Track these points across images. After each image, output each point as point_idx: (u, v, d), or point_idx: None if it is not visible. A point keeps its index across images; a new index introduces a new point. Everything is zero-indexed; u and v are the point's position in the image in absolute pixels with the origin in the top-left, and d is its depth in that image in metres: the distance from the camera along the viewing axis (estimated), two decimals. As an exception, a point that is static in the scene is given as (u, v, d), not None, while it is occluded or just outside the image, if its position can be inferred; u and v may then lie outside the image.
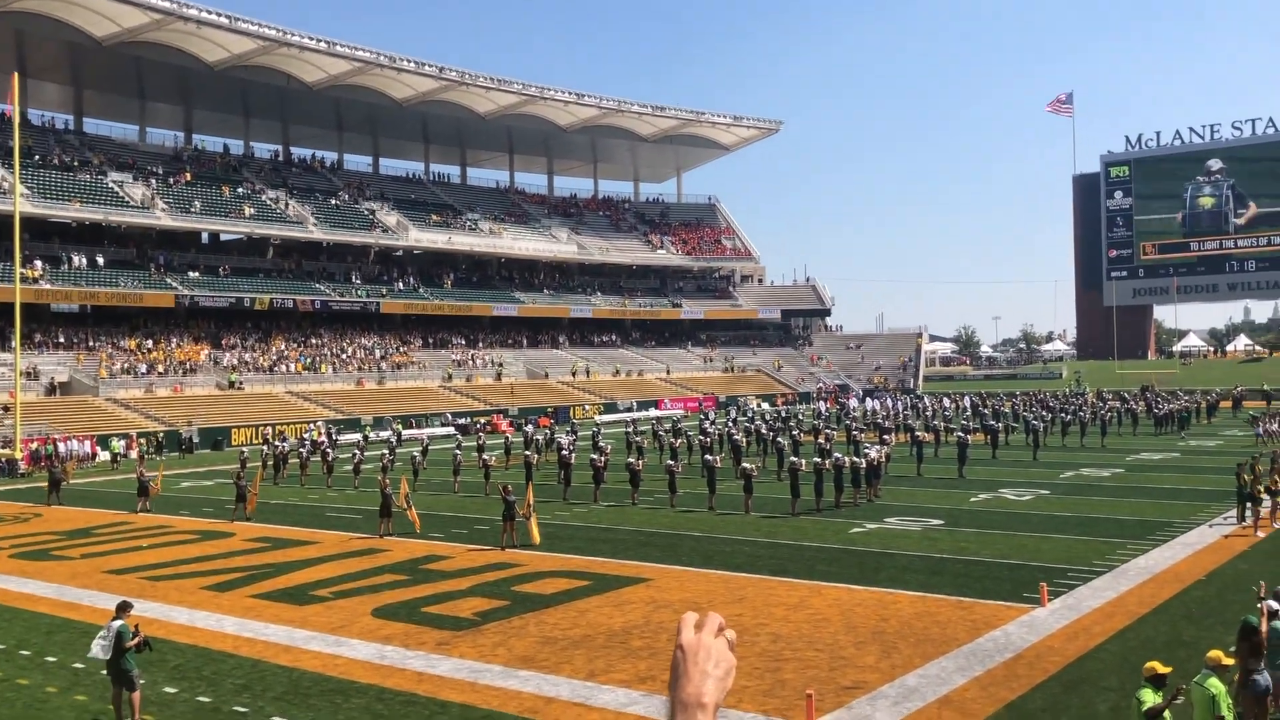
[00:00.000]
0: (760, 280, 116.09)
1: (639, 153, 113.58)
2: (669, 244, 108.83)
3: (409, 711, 14.08)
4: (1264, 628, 12.49)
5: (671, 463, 34.76)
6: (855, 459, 33.18)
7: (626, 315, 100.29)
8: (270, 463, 43.68)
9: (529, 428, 55.16)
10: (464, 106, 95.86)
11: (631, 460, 35.48)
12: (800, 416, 63.17)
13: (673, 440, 44.05)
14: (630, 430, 48.35)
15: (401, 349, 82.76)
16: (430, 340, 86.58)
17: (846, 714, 13.61)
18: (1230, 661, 11.44)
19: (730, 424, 53.53)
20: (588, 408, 76.35)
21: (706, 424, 52.00)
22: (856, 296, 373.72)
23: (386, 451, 43.57)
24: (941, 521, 28.27)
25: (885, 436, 45.36)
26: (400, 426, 61.35)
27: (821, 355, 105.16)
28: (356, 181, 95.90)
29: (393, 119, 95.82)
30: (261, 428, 59.86)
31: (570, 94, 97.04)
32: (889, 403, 72.27)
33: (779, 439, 42.52)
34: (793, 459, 33.18)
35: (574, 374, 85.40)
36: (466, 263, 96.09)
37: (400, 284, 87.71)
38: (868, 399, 79.98)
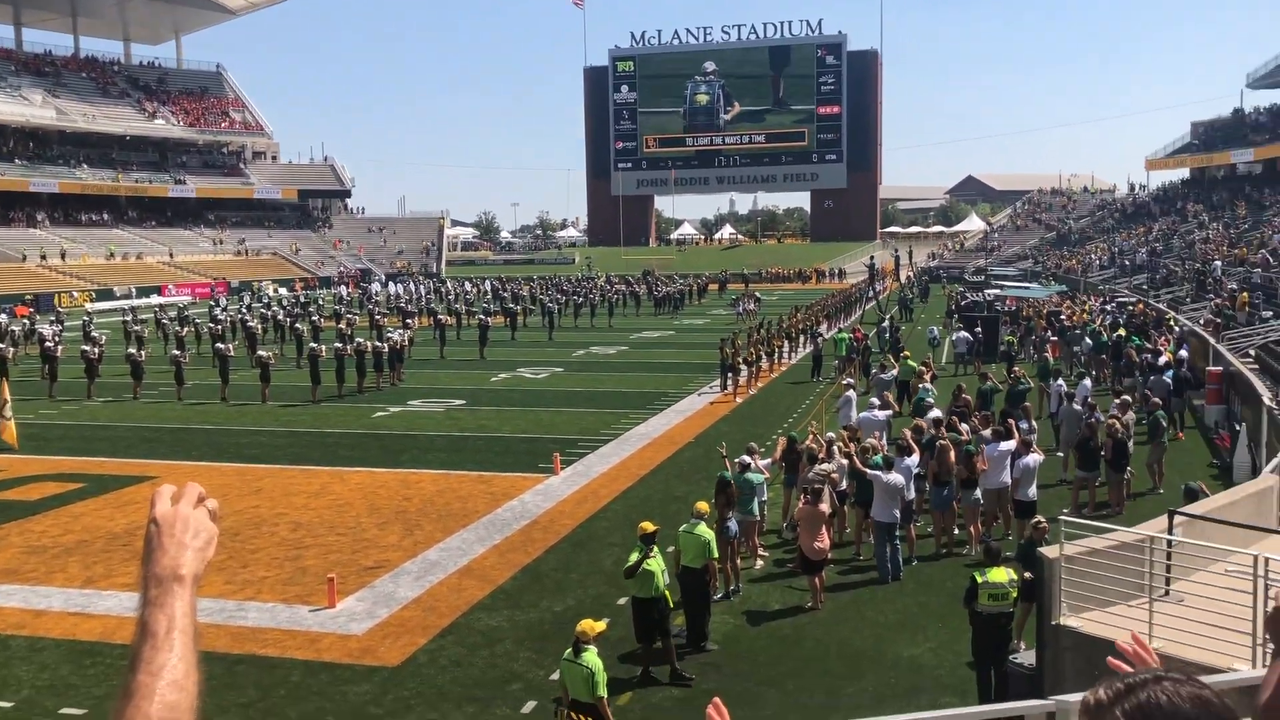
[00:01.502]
0: (275, 158, 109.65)
1: (130, 9, 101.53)
2: (168, 114, 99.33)
3: None
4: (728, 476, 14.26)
5: (178, 353, 32.33)
6: (378, 343, 32.95)
7: (120, 191, 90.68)
8: None
9: (3, 318, 48.58)
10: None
11: (132, 351, 32.50)
12: (321, 301, 61.43)
13: (179, 329, 40.94)
14: (129, 319, 44.22)
15: None
16: None
17: (370, 593, 13.67)
18: (709, 509, 12.92)
19: (245, 310, 50.78)
20: (76, 295, 68.57)
21: (218, 311, 48.94)
22: (378, 178, 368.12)
23: None
24: (464, 401, 28.99)
25: (408, 320, 45.41)
26: None
27: (343, 239, 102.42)
28: None
29: None
30: None
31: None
32: (412, 287, 72.31)
33: (298, 325, 41.08)
34: (313, 345, 32.19)
35: (43, 256, 75.48)
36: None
37: None
38: (391, 283, 79.42)
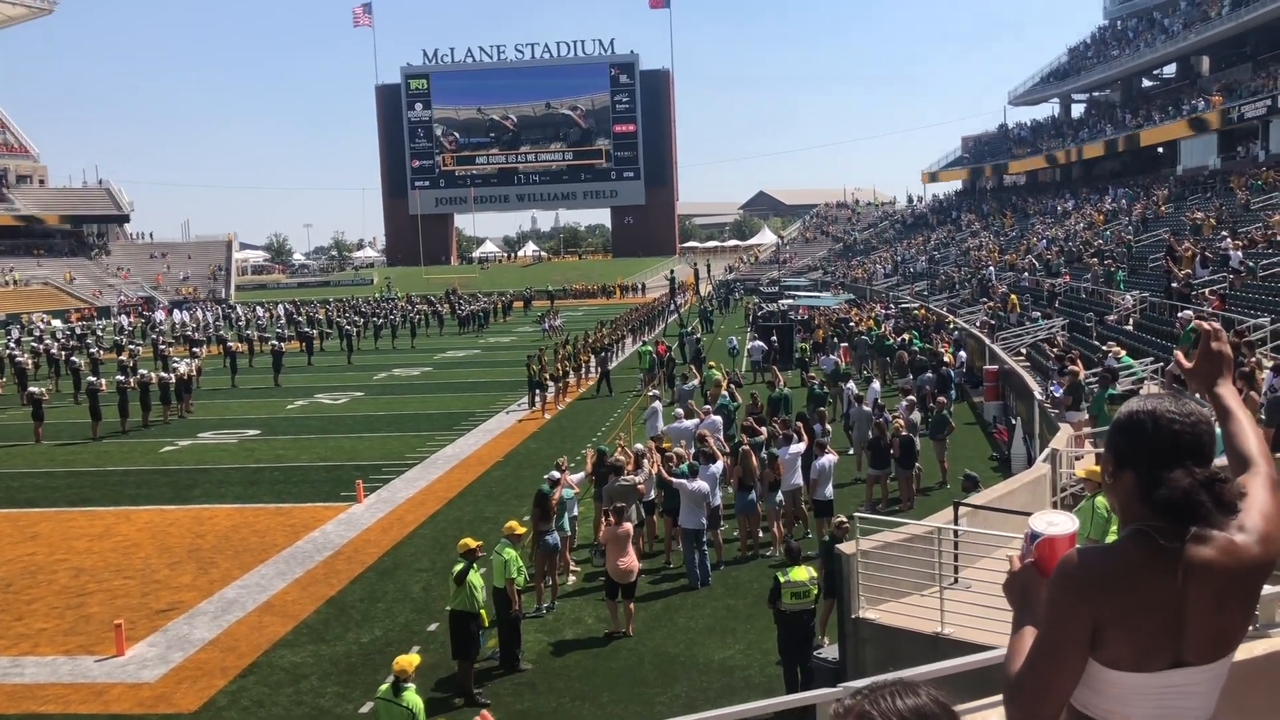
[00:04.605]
0: (43, 181, 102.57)
1: None
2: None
3: None
4: (556, 495, 14.17)
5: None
6: (163, 374, 31.33)
7: None
8: None
9: None
10: None
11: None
12: (99, 332, 57.89)
13: (-62, 366, 37.74)
14: (-122, 358, 40.41)
15: None
16: None
17: (162, 638, 12.92)
18: (523, 530, 12.80)
19: (13, 345, 47.28)
20: None
21: (-18, 346, 45.40)
22: (160, 201, 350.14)
23: None
24: (259, 431, 27.84)
25: (195, 349, 43.37)
26: None
27: (123, 265, 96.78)
28: None
29: None
30: None
31: None
32: (200, 314, 69.12)
33: (74, 358, 38.54)
34: (90, 379, 30.25)
35: None
36: None
37: None
38: (176, 310, 75.60)
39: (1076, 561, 2.09)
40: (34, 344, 47.34)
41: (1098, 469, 10.50)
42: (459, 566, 11.21)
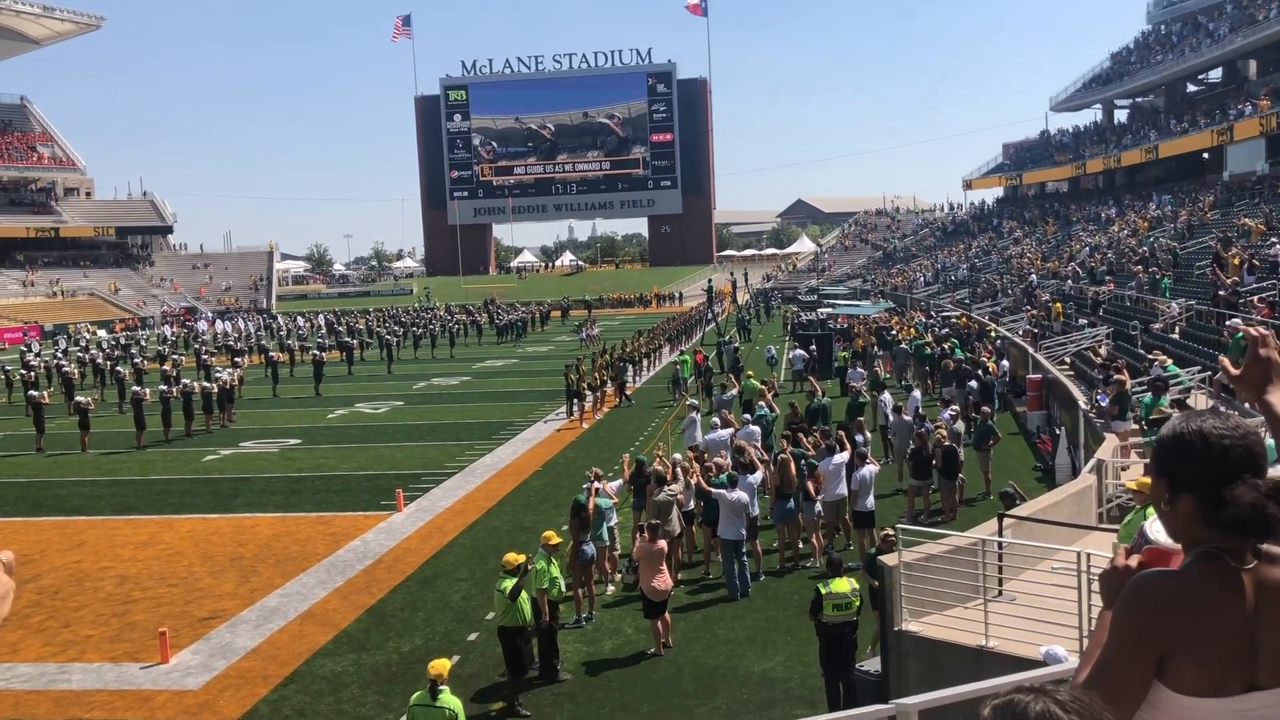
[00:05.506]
0: (89, 194, 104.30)
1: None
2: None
3: None
4: (590, 505, 14.16)
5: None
6: (206, 384, 31.68)
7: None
8: None
9: None
10: None
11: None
12: (143, 342, 58.73)
13: (-13, 376, 38.40)
14: (-70, 368, 41.19)
15: None
16: None
17: (205, 645, 13.04)
18: (559, 540, 12.77)
19: (60, 355, 48.05)
20: None
21: (30, 356, 46.17)
22: (202, 213, 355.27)
23: None
24: (300, 440, 28.08)
25: (237, 359, 43.85)
26: None
27: (166, 276, 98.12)
28: None
29: None
30: None
31: None
32: (241, 324, 69.89)
33: (119, 368, 39.11)
34: (135, 389, 30.68)
35: None
36: None
37: None
38: (218, 320, 76.51)
39: (1144, 587, 2.02)
40: (80, 354, 48.09)
41: (1148, 481, 10.32)
42: (510, 583, 11.10)
